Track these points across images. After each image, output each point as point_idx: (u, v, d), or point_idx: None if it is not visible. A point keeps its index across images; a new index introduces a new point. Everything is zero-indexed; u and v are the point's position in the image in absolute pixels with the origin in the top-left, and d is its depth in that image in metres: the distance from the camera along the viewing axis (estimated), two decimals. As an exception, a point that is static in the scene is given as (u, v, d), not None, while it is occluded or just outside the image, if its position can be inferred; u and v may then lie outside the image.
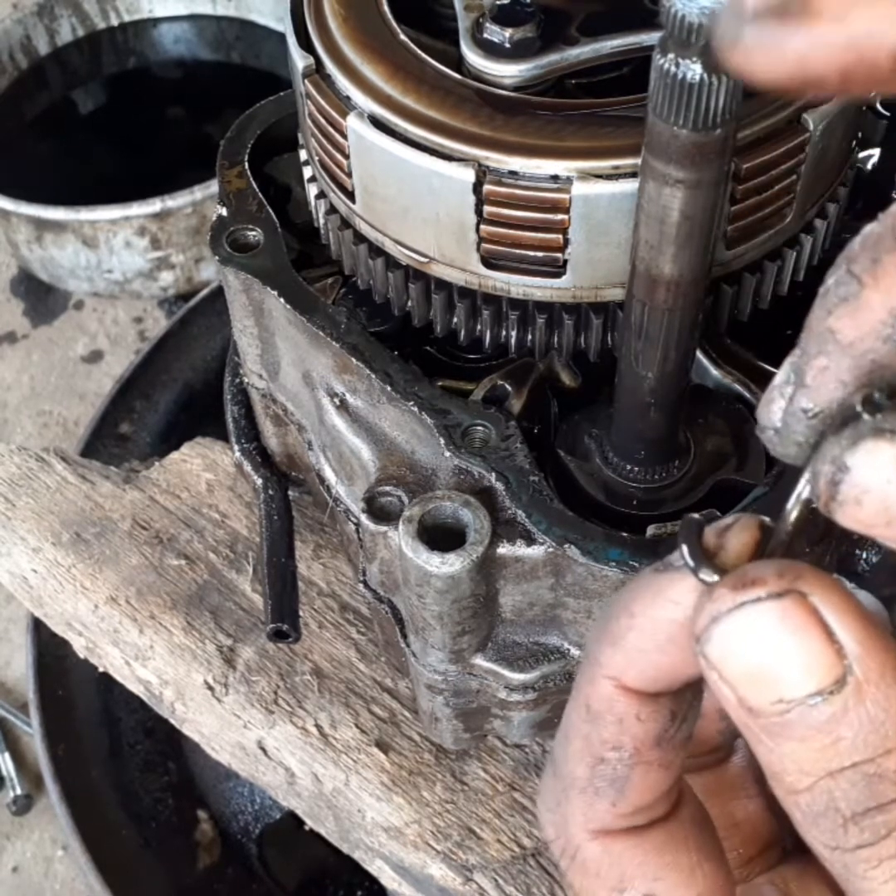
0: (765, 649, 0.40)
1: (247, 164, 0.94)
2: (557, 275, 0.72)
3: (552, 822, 0.50)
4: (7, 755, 1.83)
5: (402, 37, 0.76)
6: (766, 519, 0.44)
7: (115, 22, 2.80)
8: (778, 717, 0.41)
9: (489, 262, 0.73)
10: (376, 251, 0.80)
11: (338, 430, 0.88)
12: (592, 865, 0.48)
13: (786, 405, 0.43)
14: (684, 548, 0.43)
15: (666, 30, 0.50)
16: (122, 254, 2.28)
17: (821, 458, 0.40)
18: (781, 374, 0.43)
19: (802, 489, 0.42)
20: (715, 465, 0.80)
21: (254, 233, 0.90)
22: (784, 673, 0.40)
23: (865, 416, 0.39)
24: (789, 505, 0.43)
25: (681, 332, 0.66)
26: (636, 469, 0.79)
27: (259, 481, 1.06)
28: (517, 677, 0.84)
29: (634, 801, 0.47)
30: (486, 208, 0.70)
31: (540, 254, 0.71)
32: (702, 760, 0.56)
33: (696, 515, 0.44)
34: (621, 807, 0.47)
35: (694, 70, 0.51)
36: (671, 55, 0.51)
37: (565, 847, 0.49)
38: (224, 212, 0.91)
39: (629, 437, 0.77)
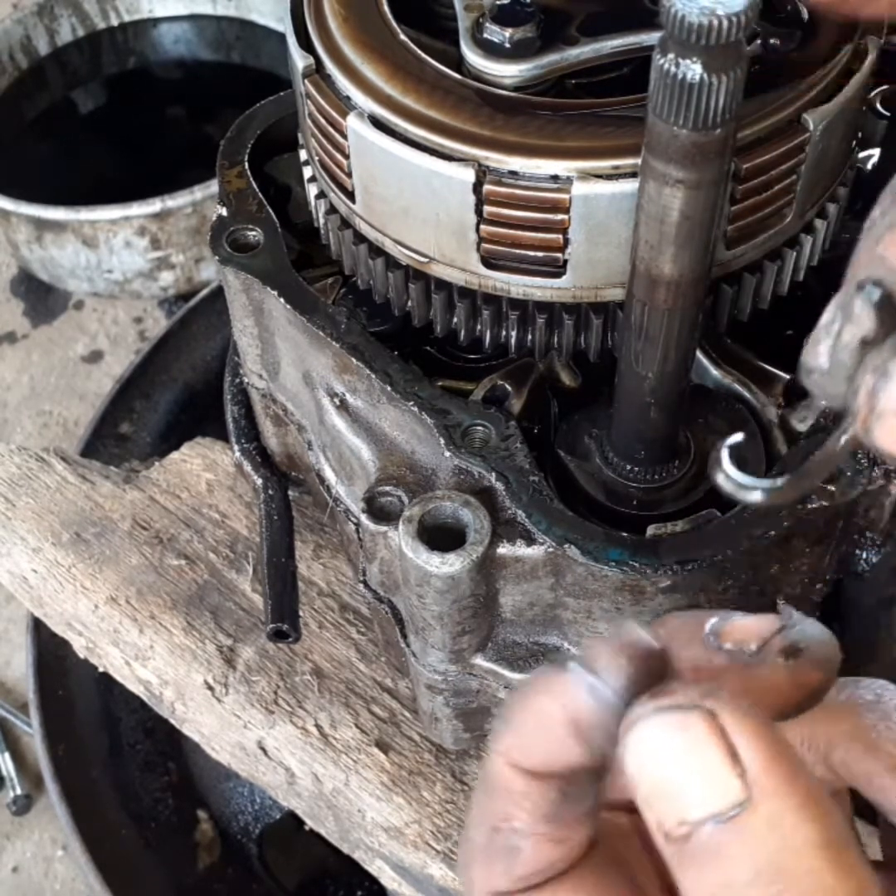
0: (667, 762, 0.40)
1: (247, 164, 0.94)
2: (557, 275, 0.72)
3: (463, 880, 0.52)
4: (7, 755, 1.83)
5: (402, 37, 0.76)
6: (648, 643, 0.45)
7: (115, 22, 2.80)
8: (683, 840, 0.40)
9: (489, 262, 0.73)
10: (376, 251, 0.80)
11: (338, 430, 0.88)
12: None
13: (833, 342, 0.43)
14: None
15: (666, 30, 0.50)
16: (122, 254, 2.28)
17: (863, 369, 0.39)
18: (826, 316, 0.43)
19: (847, 424, 0.42)
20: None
21: (254, 233, 0.90)
22: (685, 791, 0.40)
23: None
24: (832, 438, 0.43)
25: (681, 332, 0.66)
26: (636, 469, 0.79)
27: (259, 481, 1.06)
28: (517, 677, 0.84)
29: (526, 869, 0.48)
30: (486, 208, 0.70)
31: (540, 254, 0.71)
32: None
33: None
34: (514, 872, 0.48)
35: (694, 70, 0.51)
36: (671, 55, 0.51)
37: None
38: (224, 212, 0.91)
39: (629, 437, 0.77)
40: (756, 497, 0.46)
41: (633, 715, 0.42)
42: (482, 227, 0.71)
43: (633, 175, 0.65)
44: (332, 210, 0.83)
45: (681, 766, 0.40)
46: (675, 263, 0.61)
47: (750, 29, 0.50)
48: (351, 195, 0.78)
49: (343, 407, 0.87)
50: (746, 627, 0.49)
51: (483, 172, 0.69)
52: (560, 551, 0.74)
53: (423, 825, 0.99)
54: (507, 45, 0.73)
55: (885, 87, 0.94)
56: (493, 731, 0.49)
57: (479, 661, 0.84)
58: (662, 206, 0.58)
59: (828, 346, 0.43)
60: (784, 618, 0.48)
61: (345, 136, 0.74)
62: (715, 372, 0.85)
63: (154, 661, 1.10)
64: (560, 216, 0.69)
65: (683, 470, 0.80)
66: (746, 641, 0.48)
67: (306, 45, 0.78)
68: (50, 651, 1.50)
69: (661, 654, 0.44)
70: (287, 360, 0.94)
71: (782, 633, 0.48)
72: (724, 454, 0.46)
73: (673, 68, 0.52)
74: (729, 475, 0.46)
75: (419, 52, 0.75)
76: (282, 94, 0.98)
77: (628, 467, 0.79)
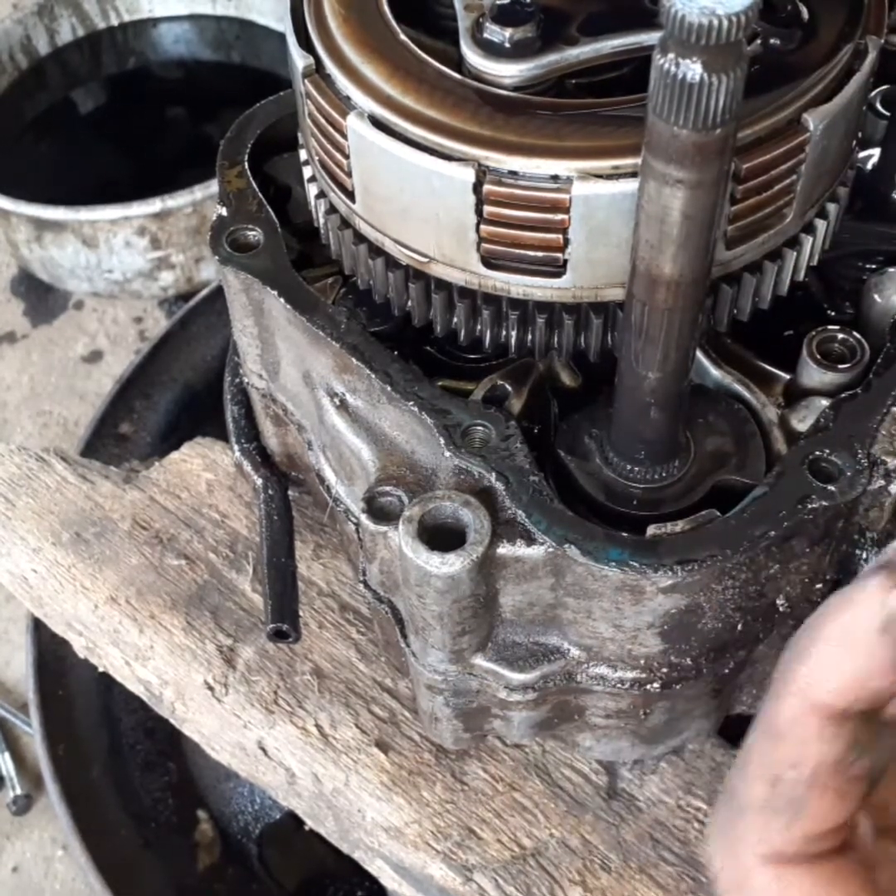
0: None
1: (247, 164, 0.94)
2: (557, 275, 0.72)
3: (721, 848, 0.50)
4: (7, 755, 1.83)
5: (402, 37, 0.76)
6: None
7: (115, 22, 2.80)
8: None
9: (489, 262, 0.73)
10: (376, 251, 0.80)
11: (338, 430, 0.88)
12: (761, 893, 0.48)
13: None
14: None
15: (666, 30, 0.50)
16: (122, 254, 2.28)
17: None
18: None
19: None
20: (715, 465, 0.80)
21: (254, 233, 0.90)
22: None
23: None
24: None
25: (681, 332, 0.66)
26: (636, 469, 0.79)
27: (259, 481, 1.06)
28: (517, 677, 0.84)
29: (809, 824, 0.47)
30: (486, 208, 0.70)
31: (540, 254, 0.71)
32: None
33: None
34: (795, 829, 0.47)
35: (694, 70, 0.51)
36: (671, 55, 0.51)
37: (734, 875, 0.49)
38: (224, 211, 0.91)
39: (629, 437, 0.77)
40: None
41: None
42: (482, 226, 0.71)
43: (634, 175, 0.65)
44: (331, 210, 0.83)
45: None
46: (675, 263, 0.61)
47: (750, 29, 0.50)
48: (351, 195, 0.78)
49: (343, 407, 0.87)
50: None
51: (483, 172, 0.69)
52: (560, 551, 0.74)
53: (423, 825, 0.99)
54: (507, 45, 0.73)
55: (885, 87, 0.94)
56: (782, 672, 0.47)
57: (478, 661, 0.84)
58: (662, 205, 0.58)
59: None
60: None
61: (345, 136, 0.74)
62: (715, 372, 0.85)
63: (154, 661, 1.10)
64: (560, 216, 0.69)
65: (683, 470, 0.80)
66: None
67: (306, 44, 0.78)
68: (50, 651, 1.50)
69: None
70: (287, 360, 0.94)
71: None
72: None
73: (673, 68, 0.51)
74: None
75: (419, 51, 0.75)
76: (281, 93, 0.98)
77: (628, 467, 0.79)
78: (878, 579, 0.44)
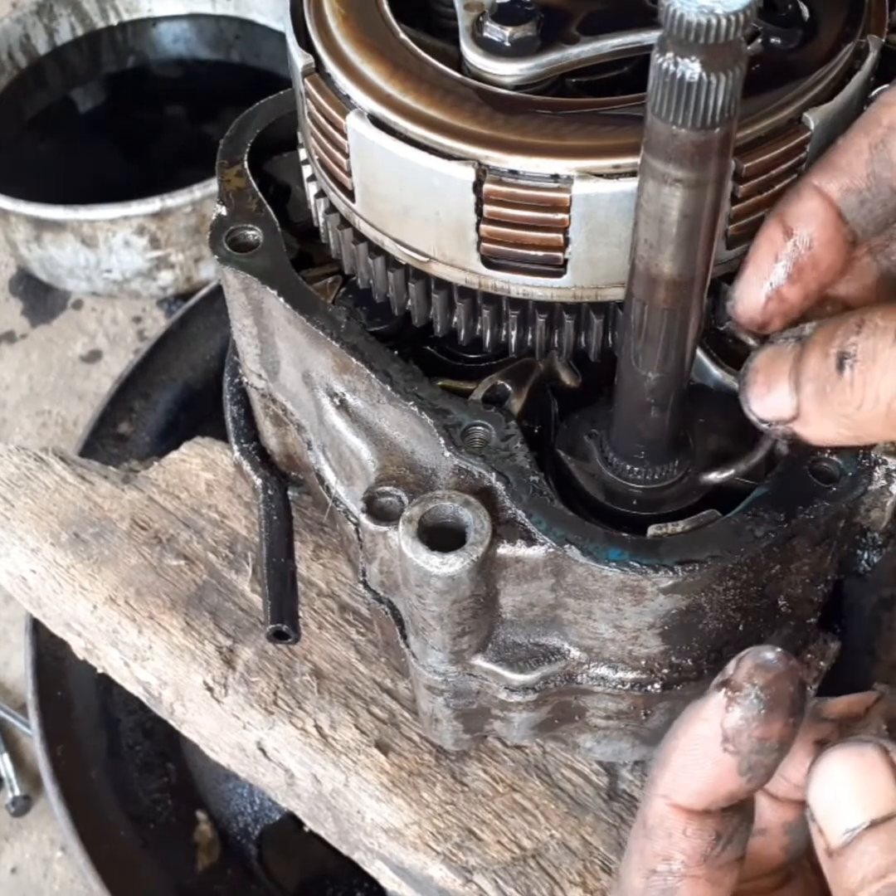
0: (842, 780, 0.48)
1: (246, 163, 0.94)
2: (558, 274, 0.72)
3: None
4: (6, 756, 1.83)
5: (402, 36, 0.76)
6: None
7: (114, 21, 2.80)
8: (846, 847, 0.47)
9: (489, 261, 0.73)
10: (376, 250, 0.79)
11: (337, 430, 0.88)
12: None
13: None
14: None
15: (665, 29, 0.50)
16: (121, 253, 2.28)
17: None
18: None
19: None
20: (715, 465, 0.80)
21: (253, 232, 0.90)
22: (853, 802, 0.48)
23: None
24: None
25: (681, 332, 0.66)
26: (636, 469, 0.78)
27: (258, 481, 1.06)
28: (517, 678, 0.84)
29: None
30: (486, 207, 0.70)
31: (540, 253, 0.71)
32: (762, 884, 0.61)
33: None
34: None
35: (693, 69, 0.51)
36: (670, 54, 0.51)
37: None
38: (223, 211, 0.91)
39: (629, 437, 0.77)
40: None
41: (824, 750, 0.50)
42: (482, 226, 0.71)
43: (634, 174, 0.64)
44: (331, 209, 0.83)
45: (852, 782, 0.48)
46: (674, 263, 0.61)
47: (749, 28, 0.49)
48: (350, 194, 0.78)
49: (343, 407, 0.87)
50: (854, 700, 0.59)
51: (483, 171, 0.69)
52: (560, 551, 0.73)
53: (423, 826, 0.99)
54: (507, 44, 0.73)
55: (885, 86, 0.94)
56: (649, 776, 0.54)
57: (479, 661, 0.84)
58: (661, 205, 0.58)
59: None
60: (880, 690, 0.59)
61: (344, 135, 0.74)
62: (715, 372, 0.85)
63: (153, 662, 1.09)
64: (560, 215, 0.69)
65: (684, 470, 0.79)
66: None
67: (306, 43, 0.77)
68: (49, 652, 1.50)
69: (793, 673, 0.50)
70: (286, 359, 0.94)
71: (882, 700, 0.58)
72: None
73: (672, 67, 0.51)
74: None
75: (419, 51, 0.75)
76: (281, 92, 0.98)
77: (628, 467, 0.79)
78: (717, 697, 0.51)
